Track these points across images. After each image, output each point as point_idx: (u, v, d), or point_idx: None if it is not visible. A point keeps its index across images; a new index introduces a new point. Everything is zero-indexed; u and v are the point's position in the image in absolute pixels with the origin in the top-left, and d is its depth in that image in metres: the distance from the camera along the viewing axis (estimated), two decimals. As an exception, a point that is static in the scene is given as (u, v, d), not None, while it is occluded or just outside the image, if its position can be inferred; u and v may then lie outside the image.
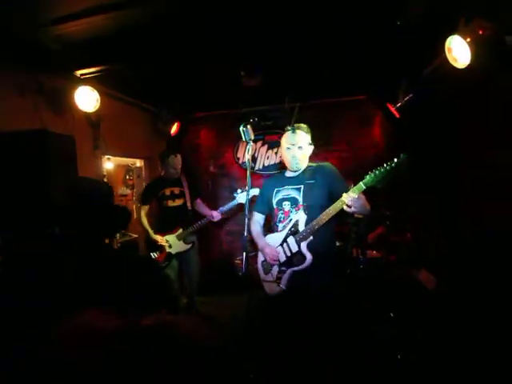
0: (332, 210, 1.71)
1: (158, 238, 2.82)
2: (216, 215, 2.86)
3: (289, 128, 1.92)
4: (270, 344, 2.08)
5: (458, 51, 1.93)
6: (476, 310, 2.31)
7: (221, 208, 2.89)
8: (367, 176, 1.62)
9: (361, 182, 1.63)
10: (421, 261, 3.07)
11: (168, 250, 2.83)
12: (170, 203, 2.88)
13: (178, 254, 2.86)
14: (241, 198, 2.80)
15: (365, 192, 1.66)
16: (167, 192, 2.89)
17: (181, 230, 2.84)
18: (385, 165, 1.58)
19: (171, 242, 2.85)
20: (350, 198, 1.60)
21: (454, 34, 1.94)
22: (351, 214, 1.76)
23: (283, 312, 1.91)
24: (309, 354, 1.82)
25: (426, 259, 3.08)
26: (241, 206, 3.00)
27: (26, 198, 2.15)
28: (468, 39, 1.83)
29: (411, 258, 3.04)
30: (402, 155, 1.57)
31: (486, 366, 1.92)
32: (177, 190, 2.91)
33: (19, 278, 0.83)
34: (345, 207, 1.63)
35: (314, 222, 1.76)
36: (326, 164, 1.99)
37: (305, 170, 1.94)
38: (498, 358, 1.90)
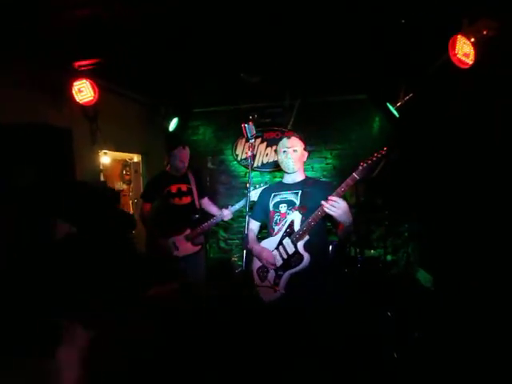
0: (321, 211, 1.74)
1: (163, 241, 2.60)
2: (227, 214, 2.60)
3: (284, 136, 2.02)
4: (268, 346, 2.07)
5: (462, 51, 1.93)
6: (473, 308, 2.33)
7: (232, 207, 2.62)
8: (359, 167, 1.68)
9: (353, 173, 1.68)
10: (418, 259, 3.09)
11: (175, 252, 2.60)
12: (177, 201, 2.65)
13: (186, 257, 2.62)
14: (252, 195, 2.58)
15: (365, 192, 1.68)
16: (173, 189, 2.64)
17: (189, 231, 2.60)
18: (375, 154, 1.67)
19: (178, 244, 2.61)
20: (329, 202, 1.63)
21: (457, 33, 1.94)
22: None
23: (282, 316, 1.90)
24: (308, 355, 1.82)
25: (423, 258, 3.10)
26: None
27: (23, 190, 2.11)
28: (472, 39, 1.83)
29: (409, 257, 3.06)
30: (389, 145, 1.69)
31: (484, 364, 1.94)
32: (184, 187, 2.67)
33: None
34: (325, 209, 1.64)
35: (310, 219, 1.76)
36: (325, 180, 2.10)
37: (304, 180, 1.99)
38: (496, 355, 1.91)
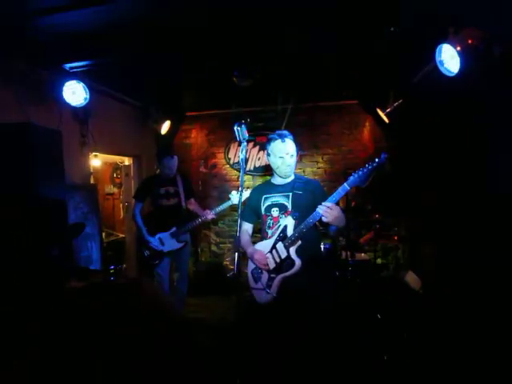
0: (311, 218, 1.77)
1: (151, 238, 2.82)
2: (210, 216, 2.85)
3: (276, 137, 1.93)
4: (261, 348, 2.07)
5: (448, 59, 1.99)
6: (462, 310, 2.38)
7: (214, 209, 2.86)
8: (351, 177, 1.69)
9: (345, 183, 1.69)
10: (407, 263, 3.14)
11: (160, 247, 2.82)
12: (165, 202, 2.88)
13: (171, 253, 2.86)
14: (235, 198, 2.76)
15: (355, 197, 1.69)
16: (162, 191, 2.88)
17: (174, 229, 2.84)
18: (367, 165, 1.66)
19: (164, 240, 2.84)
20: (324, 209, 1.66)
21: (444, 42, 2.00)
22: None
23: (274, 318, 1.91)
24: (300, 357, 1.82)
25: (412, 261, 3.15)
26: (232, 207, 2.99)
27: (8, 194, 2.06)
28: (458, 48, 1.89)
29: (398, 260, 3.10)
30: (382, 155, 1.65)
31: (472, 364, 1.97)
32: (171, 189, 2.91)
33: None
34: (322, 218, 1.68)
35: (301, 226, 1.78)
36: (315, 181, 2.14)
37: (294, 180, 1.98)
38: (485, 355, 1.95)
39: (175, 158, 2.88)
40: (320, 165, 4.08)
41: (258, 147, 4.13)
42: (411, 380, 2.08)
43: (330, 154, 4.06)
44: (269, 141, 1.98)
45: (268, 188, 2.03)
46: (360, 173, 1.66)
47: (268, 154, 1.99)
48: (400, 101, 3.09)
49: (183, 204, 2.93)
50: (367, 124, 3.95)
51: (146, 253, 2.83)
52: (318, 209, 1.69)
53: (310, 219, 1.75)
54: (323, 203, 1.68)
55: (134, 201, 2.99)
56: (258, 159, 4.15)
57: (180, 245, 2.87)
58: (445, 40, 1.99)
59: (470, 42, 1.86)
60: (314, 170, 4.07)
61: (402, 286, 2.92)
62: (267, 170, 4.06)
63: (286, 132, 1.96)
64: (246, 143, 1.91)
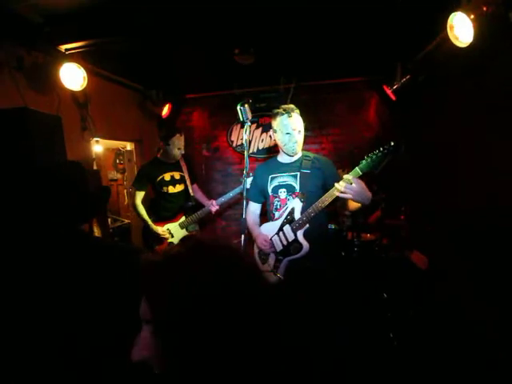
0: (328, 197, 1.67)
1: (159, 229, 2.65)
2: (213, 207, 2.70)
3: (282, 112, 1.83)
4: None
5: (461, 29, 1.88)
6: (467, 291, 2.38)
7: (225, 195, 2.71)
8: (363, 161, 1.58)
9: (357, 168, 1.59)
10: (414, 242, 3.12)
11: (170, 239, 2.68)
12: (171, 189, 2.70)
13: None
14: (248, 183, 2.66)
15: (361, 177, 1.60)
16: (167, 177, 2.68)
17: (183, 218, 2.69)
18: (381, 148, 1.54)
19: (173, 230, 2.69)
20: (344, 186, 1.54)
21: (456, 10, 1.89)
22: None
23: (280, 299, 1.92)
24: (307, 337, 1.84)
25: (418, 240, 3.13)
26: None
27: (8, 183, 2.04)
28: (472, 16, 1.78)
29: (404, 239, 3.09)
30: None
31: (476, 343, 1.99)
32: (177, 175, 2.72)
33: None
34: (340, 194, 1.57)
35: (310, 210, 1.73)
36: (323, 157, 1.99)
37: (301, 158, 1.90)
38: (490, 333, 1.96)
39: (183, 135, 2.66)
40: (324, 145, 4.00)
41: (260, 129, 4.06)
42: (417, 357, 2.10)
43: (335, 134, 3.97)
44: (274, 116, 1.87)
45: (274, 167, 1.95)
46: (373, 157, 1.54)
47: (274, 131, 1.89)
48: (407, 77, 2.97)
49: (190, 191, 2.75)
50: (372, 102, 3.83)
51: (154, 244, 2.68)
52: (336, 185, 1.58)
53: (319, 203, 1.69)
54: (342, 180, 1.56)
55: (133, 190, 2.76)
56: (262, 141, 4.08)
57: (190, 235, 2.74)
58: (457, 8, 1.88)
59: (484, 9, 1.75)
60: (318, 150, 4.00)
61: (408, 265, 2.92)
62: (271, 152, 4.00)
63: (292, 106, 1.85)
64: (249, 123, 1.86)
